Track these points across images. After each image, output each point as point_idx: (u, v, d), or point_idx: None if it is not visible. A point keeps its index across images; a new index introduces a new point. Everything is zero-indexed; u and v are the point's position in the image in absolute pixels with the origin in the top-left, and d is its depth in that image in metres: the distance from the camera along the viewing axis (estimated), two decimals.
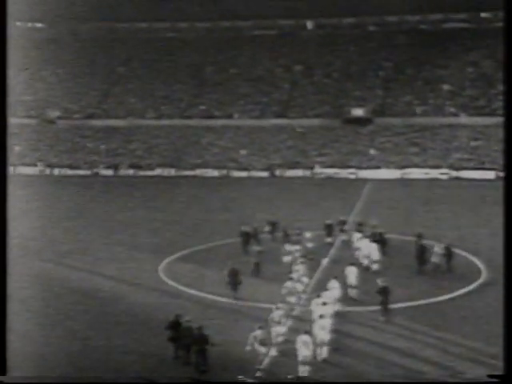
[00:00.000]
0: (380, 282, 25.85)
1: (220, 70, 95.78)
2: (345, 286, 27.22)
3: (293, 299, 26.02)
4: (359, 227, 37.12)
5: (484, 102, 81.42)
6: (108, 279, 32.07)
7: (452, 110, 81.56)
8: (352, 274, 27.89)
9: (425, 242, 33.17)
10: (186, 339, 21.05)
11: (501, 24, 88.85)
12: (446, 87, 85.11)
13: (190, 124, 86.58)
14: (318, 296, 24.24)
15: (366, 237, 34.17)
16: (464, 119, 79.43)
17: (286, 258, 32.29)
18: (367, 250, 32.40)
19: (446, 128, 78.88)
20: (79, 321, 25.77)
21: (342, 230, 38.85)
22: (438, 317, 25.63)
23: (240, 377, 18.48)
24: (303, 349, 20.25)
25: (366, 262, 32.00)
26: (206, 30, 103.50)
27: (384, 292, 25.51)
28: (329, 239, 38.01)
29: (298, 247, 33.09)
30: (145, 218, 49.23)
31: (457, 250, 34.18)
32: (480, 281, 30.50)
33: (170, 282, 30.89)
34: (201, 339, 20.69)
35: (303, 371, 20.13)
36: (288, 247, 33.32)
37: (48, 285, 30.58)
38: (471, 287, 29.46)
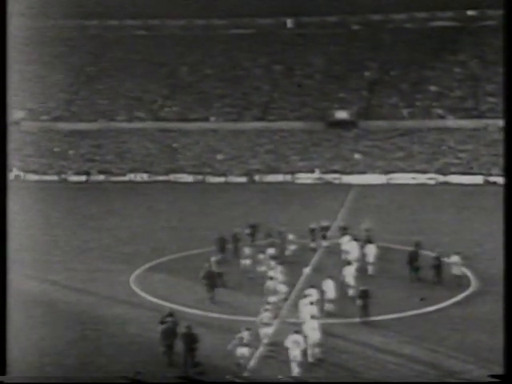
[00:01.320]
0: (360, 285, 26.51)
1: (195, 70, 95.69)
2: (323, 299, 27.09)
3: (273, 299, 26.48)
4: (345, 231, 37.87)
5: (472, 104, 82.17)
6: (75, 291, 31.74)
7: (439, 112, 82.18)
8: (331, 286, 27.71)
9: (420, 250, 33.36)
10: (169, 339, 22.09)
11: (489, 22, 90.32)
12: (433, 88, 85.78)
13: (164, 127, 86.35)
14: (305, 296, 25.02)
15: (356, 239, 34.90)
16: (452, 122, 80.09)
17: (244, 262, 33.31)
18: (357, 252, 33.27)
19: (433, 131, 79.48)
20: (42, 335, 25.35)
21: (324, 236, 39.33)
22: (426, 328, 25.67)
23: (227, 376, 19.25)
24: (294, 349, 20.81)
25: (356, 264, 32.03)
26: (180, 28, 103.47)
27: (364, 296, 25.90)
28: (312, 244, 38.75)
29: (272, 251, 33.53)
30: (116, 225, 49.03)
31: (444, 259, 34.37)
32: (470, 290, 30.57)
33: (143, 294, 30.68)
34: (190, 338, 21.52)
35: (295, 371, 20.65)
36: (248, 250, 33.93)
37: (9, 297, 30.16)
38: (460, 297, 29.50)
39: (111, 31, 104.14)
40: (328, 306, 27.20)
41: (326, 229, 40.06)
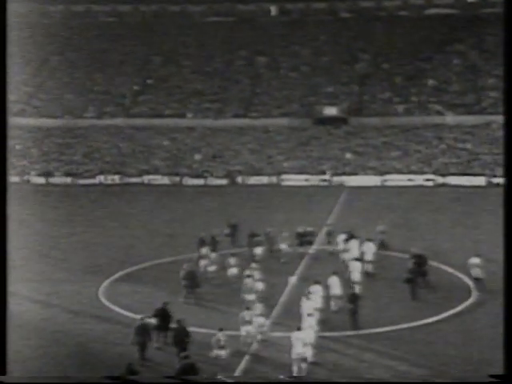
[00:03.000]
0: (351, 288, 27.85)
1: (170, 62, 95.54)
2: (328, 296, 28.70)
3: (251, 297, 28.48)
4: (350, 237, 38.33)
5: (472, 99, 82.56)
6: (38, 304, 31.46)
7: (437, 107, 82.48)
8: (336, 283, 29.27)
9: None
10: (142, 337, 23.73)
11: (490, 9, 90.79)
12: (430, 82, 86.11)
13: (136, 124, 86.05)
14: (309, 293, 26.89)
15: (353, 237, 36.72)
16: (451, 118, 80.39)
17: (212, 268, 34.45)
18: (356, 251, 34.84)
19: (430, 128, 79.71)
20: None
21: (310, 242, 40.02)
22: (423, 341, 25.63)
23: (219, 376, 20.33)
24: (298, 346, 22.25)
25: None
26: (153, 15, 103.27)
27: (353, 299, 26.73)
28: (301, 249, 39.35)
29: (258, 250, 35.59)
30: (84, 232, 48.75)
31: (442, 266, 34.41)
32: (470, 300, 30.62)
33: (112, 307, 30.47)
34: (181, 332, 23.33)
35: (299, 369, 22.06)
36: (213, 256, 35.21)
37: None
38: (460, 308, 29.51)
39: (77, 17, 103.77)
40: (335, 303, 28.61)
41: (314, 234, 40.76)
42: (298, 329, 23.10)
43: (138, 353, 23.64)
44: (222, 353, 23.21)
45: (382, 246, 38.73)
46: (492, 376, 17.13)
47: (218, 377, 20.34)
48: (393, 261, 37.12)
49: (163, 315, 25.00)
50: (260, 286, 29.75)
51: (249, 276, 30.20)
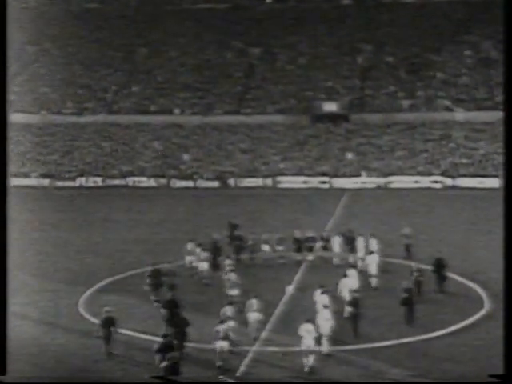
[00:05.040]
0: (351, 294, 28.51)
1: (156, 53, 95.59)
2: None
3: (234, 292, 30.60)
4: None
5: (485, 94, 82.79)
6: (12, 316, 31.34)
7: (446, 103, 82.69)
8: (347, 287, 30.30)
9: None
10: (107, 329, 25.72)
11: None
12: (438, 75, 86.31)
13: (120, 121, 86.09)
14: (322, 287, 28.55)
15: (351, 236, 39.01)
16: (461, 114, 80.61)
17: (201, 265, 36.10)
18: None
19: (438, 126, 79.91)
20: None
21: (311, 249, 40.15)
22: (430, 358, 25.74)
23: (220, 376, 21.91)
24: (307, 338, 23.91)
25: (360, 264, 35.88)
26: (139, 2, 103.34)
27: (354, 304, 27.59)
28: (298, 256, 39.70)
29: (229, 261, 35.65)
30: (62, 239, 48.70)
31: (452, 275, 34.52)
32: (482, 312, 30.76)
33: (92, 320, 30.45)
34: (181, 321, 25.45)
35: (308, 362, 23.69)
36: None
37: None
38: (471, 320, 29.62)
39: (55, 4, 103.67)
40: (352, 295, 29.22)
41: (313, 240, 40.78)
42: (308, 321, 24.52)
43: (104, 346, 25.63)
44: (225, 344, 24.22)
45: (407, 252, 40.03)
46: (492, 376, 18.18)
47: (220, 377, 22.08)
48: (397, 269, 37.13)
49: (108, 322, 26.16)
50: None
51: (232, 270, 32.23)
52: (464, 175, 72.41)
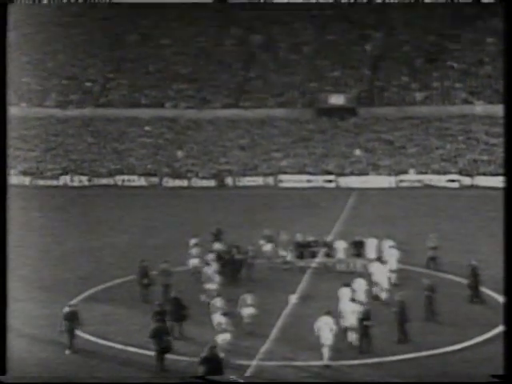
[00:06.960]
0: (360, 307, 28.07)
1: (146, 41, 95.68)
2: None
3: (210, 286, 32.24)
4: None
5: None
6: None
7: (463, 95, 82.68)
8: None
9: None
10: (72, 324, 27.43)
11: None
12: (455, 65, 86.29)
13: (107, 115, 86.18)
14: (346, 285, 29.78)
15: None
16: (480, 108, 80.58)
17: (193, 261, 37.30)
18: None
19: (455, 120, 79.92)
20: None
21: (314, 254, 40.04)
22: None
23: (232, 377, 22.74)
24: (325, 331, 25.08)
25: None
26: None
27: (366, 318, 27.24)
28: (301, 263, 39.51)
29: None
30: (46, 243, 48.54)
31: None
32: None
33: (78, 332, 30.30)
34: (179, 307, 27.96)
35: (326, 355, 24.92)
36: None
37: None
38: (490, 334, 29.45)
39: None
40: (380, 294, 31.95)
41: (316, 244, 40.65)
42: (327, 313, 25.65)
43: (67, 340, 27.44)
44: (226, 336, 25.43)
45: (434, 264, 38.77)
46: (492, 376, 19.10)
47: (231, 377, 22.77)
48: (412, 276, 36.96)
49: (71, 316, 27.79)
50: (217, 277, 33.24)
51: (208, 264, 34.25)
52: (484, 173, 72.45)
